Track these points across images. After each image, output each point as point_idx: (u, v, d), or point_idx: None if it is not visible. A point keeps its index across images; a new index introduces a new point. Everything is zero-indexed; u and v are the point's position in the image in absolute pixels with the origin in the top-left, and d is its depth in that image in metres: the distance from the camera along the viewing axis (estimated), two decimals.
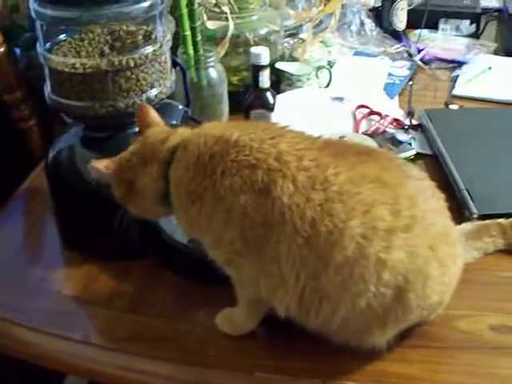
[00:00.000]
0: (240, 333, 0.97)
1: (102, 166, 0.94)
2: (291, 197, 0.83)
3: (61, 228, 1.19)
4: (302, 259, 0.84)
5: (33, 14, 1.06)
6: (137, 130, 1.11)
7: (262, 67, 1.30)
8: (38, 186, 1.32)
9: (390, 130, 1.42)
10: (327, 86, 1.61)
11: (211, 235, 0.90)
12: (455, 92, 1.62)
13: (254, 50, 1.31)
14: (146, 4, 1.04)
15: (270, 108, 1.33)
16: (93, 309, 1.05)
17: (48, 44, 1.09)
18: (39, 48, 1.09)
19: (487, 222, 1.11)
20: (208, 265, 1.04)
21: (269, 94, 1.34)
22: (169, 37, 1.11)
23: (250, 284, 0.91)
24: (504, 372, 0.91)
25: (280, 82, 1.58)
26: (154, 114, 1.00)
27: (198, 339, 0.98)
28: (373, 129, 1.43)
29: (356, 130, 1.45)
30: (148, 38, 1.08)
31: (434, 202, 0.89)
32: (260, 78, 1.31)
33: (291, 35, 1.70)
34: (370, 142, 1.34)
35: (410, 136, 1.40)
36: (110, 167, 0.95)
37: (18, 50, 1.62)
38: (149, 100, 1.08)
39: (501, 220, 1.10)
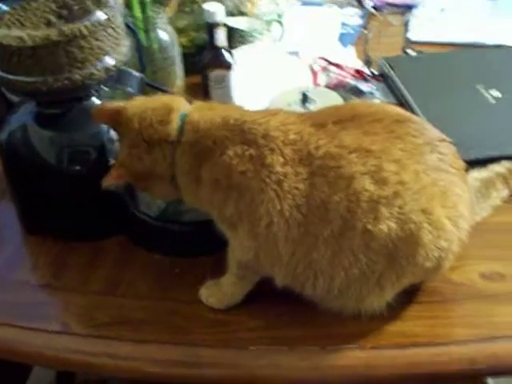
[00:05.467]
0: (227, 305, 0.94)
1: (114, 179, 0.91)
2: (283, 166, 0.83)
3: (21, 213, 1.12)
4: (298, 238, 0.83)
5: None
6: (95, 102, 1.05)
7: (217, 24, 1.23)
8: None
9: (351, 81, 1.38)
10: (280, 39, 1.55)
11: (216, 211, 0.90)
12: (410, 37, 1.58)
13: (206, 6, 1.23)
14: None
15: (229, 67, 1.27)
16: (67, 296, 0.99)
17: None
18: None
19: (490, 175, 1.06)
20: (182, 238, 1.00)
21: (226, 53, 1.27)
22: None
23: (245, 253, 0.89)
24: (502, 319, 0.90)
25: (231, 39, 1.51)
26: (110, 105, 0.95)
27: (183, 317, 0.93)
28: (334, 82, 1.38)
29: (314, 83, 1.40)
30: (98, 3, 1.01)
31: (432, 158, 0.84)
32: (216, 36, 1.23)
33: None
34: (334, 96, 1.29)
35: (372, 86, 1.36)
36: (122, 175, 0.91)
37: None
38: (106, 69, 1.00)
39: (499, 169, 1.07)
